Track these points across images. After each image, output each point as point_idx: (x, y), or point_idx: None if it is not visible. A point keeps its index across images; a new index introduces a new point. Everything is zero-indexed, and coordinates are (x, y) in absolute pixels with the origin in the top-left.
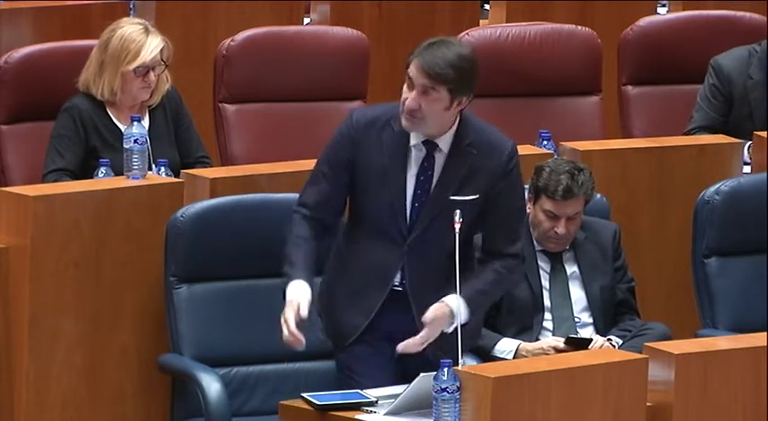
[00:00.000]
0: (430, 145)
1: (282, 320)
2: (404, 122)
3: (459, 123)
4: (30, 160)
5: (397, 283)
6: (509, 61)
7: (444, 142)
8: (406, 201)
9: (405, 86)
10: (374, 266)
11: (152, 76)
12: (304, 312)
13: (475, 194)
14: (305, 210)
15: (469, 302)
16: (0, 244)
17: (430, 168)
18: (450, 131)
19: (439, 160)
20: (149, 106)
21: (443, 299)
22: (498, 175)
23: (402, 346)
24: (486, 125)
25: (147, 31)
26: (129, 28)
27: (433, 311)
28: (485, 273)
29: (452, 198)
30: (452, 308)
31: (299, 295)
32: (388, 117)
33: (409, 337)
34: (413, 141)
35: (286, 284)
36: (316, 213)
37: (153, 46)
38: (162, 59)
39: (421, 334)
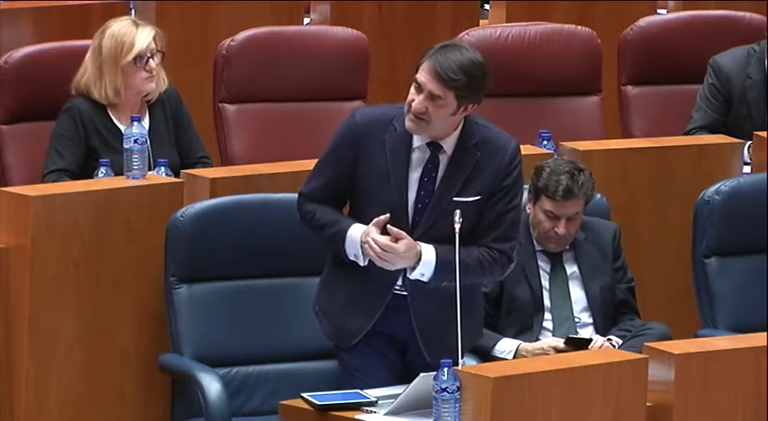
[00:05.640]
0: (434, 146)
1: (369, 245)
2: (408, 124)
3: (463, 124)
4: (30, 160)
5: (399, 286)
6: (509, 61)
7: (448, 144)
8: (408, 202)
9: (412, 88)
10: (376, 268)
11: (152, 63)
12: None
13: (477, 195)
14: (306, 199)
15: (442, 258)
16: (0, 244)
17: (434, 170)
18: (454, 133)
19: (442, 161)
20: (148, 102)
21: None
22: (501, 176)
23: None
24: (490, 124)
25: (135, 23)
26: (117, 25)
27: (405, 237)
28: (470, 248)
29: (456, 199)
30: (421, 250)
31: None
32: (390, 118)
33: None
34: (416, 143)
35: (342, 239)
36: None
37: (145, 34)
38: (158, 48)
39: (385, 240)
